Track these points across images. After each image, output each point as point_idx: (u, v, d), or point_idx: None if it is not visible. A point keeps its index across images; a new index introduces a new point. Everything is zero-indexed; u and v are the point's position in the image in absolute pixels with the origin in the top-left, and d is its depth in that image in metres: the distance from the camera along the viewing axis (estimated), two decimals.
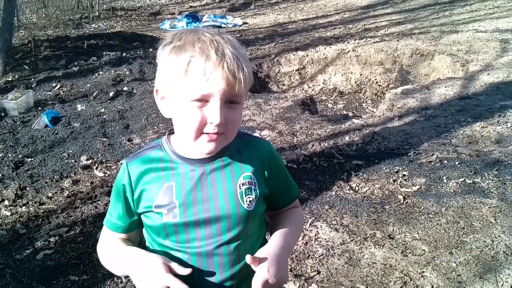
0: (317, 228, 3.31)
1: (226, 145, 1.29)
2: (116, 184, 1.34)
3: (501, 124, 4.70)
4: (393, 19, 10.14)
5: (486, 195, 3.54)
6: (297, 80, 7.91)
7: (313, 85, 7.81)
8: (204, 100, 1.16)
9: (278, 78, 7.93)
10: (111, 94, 6.15)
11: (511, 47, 7.01)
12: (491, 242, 3.02)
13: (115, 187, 1.35)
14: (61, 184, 4.13)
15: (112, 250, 1.36)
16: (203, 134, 1.19)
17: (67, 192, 3.98)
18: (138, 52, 8.07)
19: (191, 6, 16.29)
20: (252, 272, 1.24)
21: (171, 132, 1.34)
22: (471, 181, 3.73)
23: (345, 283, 2.77)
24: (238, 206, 1.27)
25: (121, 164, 4.41)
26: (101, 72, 6.90)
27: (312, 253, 3.06)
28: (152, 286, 1.17)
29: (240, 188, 1.29)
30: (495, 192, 3.57)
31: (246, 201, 1.28)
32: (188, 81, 1.15)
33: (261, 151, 1.37)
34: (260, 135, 4.87)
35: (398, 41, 7.98)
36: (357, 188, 3.83)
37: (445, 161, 4.06)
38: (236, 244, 1.28)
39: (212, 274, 1.28)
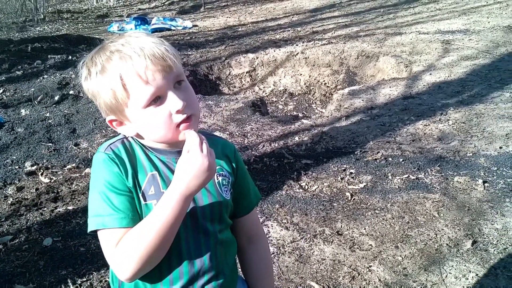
0: (268, 227, 3.33)
1: None
2: (109, 174, 1.17)
3: (443, 122, 4.89)
4: (340, 22, 10.36)
5: (430, 190, 3.66)
6: (248, 82, 7.96)
7: (264, 87, 7.87)
8: (157, 98, 1.14)
9: (229, 80, 7.95)
10: (56, 98, 5.98)
11: (452, 48, 7.30)
12: (435, 235, 3.13)
13: (110, 178, 1.17)
14: (4, 191, 3.99)
15: (141, 229, 1.12)
16: (177, 127, 1.16)
17: (11, 199, 3.84)
18: (84, 54, 7.75)
19: (139, 9, 16.11)
20: (228, 260, 1.33)
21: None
22: (415, 177, 3.86)
23: (296, 280, 2.81)
24: (218, 195, 1.28)
25: (71, 167, 4.31)
26: (46, 76, 6.69)
27: None
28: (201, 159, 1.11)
29: (217, 178, 1.30)
30: (437, 187, 3.70)
31: (224, 190, 1.30)
32: (131, 92, 1.13)
33: (227, 149, 1.38)
34: None
35: (345, 43, 8.16)
36: (306, 187, 3.89)
37: (390, 159, 4.19)
38: (218, 231, 1.28)
39: (191, 262, 1.25)
